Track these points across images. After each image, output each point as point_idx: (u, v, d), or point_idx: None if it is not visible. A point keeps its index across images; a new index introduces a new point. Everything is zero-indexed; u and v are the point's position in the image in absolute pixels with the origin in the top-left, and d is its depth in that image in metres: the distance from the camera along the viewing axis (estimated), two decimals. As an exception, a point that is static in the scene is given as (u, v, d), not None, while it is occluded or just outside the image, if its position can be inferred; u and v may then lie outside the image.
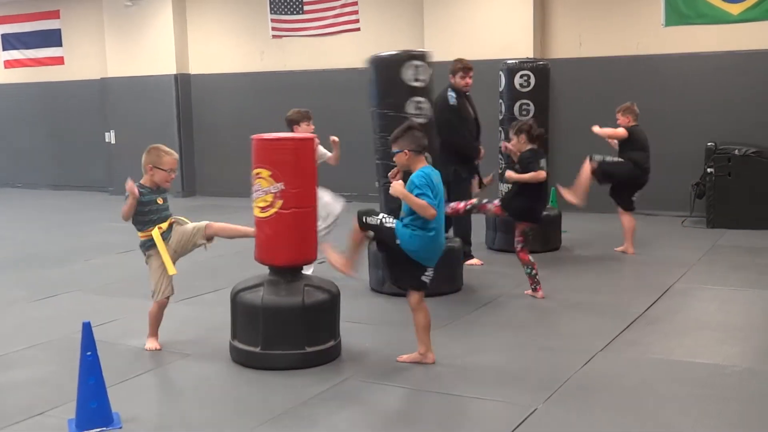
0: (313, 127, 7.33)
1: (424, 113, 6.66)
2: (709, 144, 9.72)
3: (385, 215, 4.97)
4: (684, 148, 10.14)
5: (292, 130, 7.20)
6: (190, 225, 5.49)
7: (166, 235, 5.37)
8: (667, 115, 10.29)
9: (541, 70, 8.60)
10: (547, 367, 4.99)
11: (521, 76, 8.48)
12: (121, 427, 4.20)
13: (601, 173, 8.08)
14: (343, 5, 12.45)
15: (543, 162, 6.53)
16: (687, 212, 9.97)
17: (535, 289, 6.65)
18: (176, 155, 5.49)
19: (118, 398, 4.42)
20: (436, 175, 4.87)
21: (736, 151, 9.53)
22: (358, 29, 12.37)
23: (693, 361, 5.08)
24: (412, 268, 4.93)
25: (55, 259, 8.87)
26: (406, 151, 4.89)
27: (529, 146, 6.58)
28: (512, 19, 11.09)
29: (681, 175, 10.03)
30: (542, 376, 4.83)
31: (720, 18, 10.23)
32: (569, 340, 5.54)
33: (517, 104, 8.48)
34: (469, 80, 7.66)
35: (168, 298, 5.45)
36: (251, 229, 5.29)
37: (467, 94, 7.74)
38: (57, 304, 6.93)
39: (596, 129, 8.24)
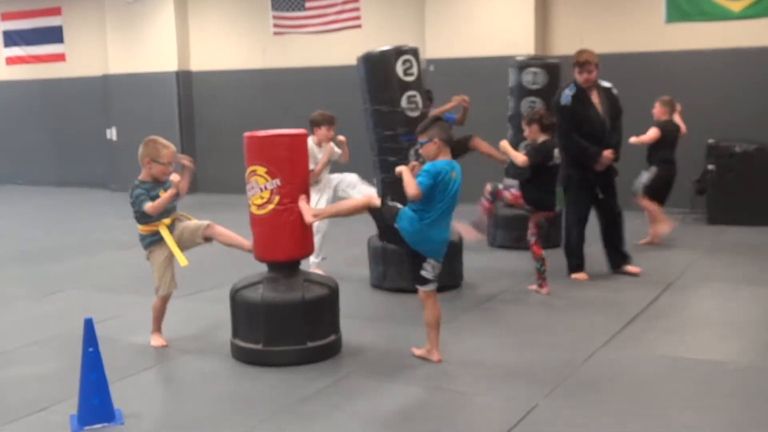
0: (332, 133, 7.38)
1: (417, 107, 6.69)
2: (710, 141, 9.71)
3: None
4: (685, 144, 10.10)
5: (312, 131, 7.24)
6: (193, 222, 5.51)
7: (170, 230, 5.40)
8: (668, 111, 10.31)
9: (552, 67, 8.51)
10: (548, 364, 5.00)
11: (530, 73, 8.38)
12: (122, 423, 4.22)
13: (651, 193, 8.21)
14: (345, 2, 12.45)
15: (556, 152, 6.49)
16: (688, 209, 9.97)
17: (540, 285, 6.65)
18: (174, 148, 5.52)
19: (120, 394, 4.45)
20: (450, 167, 4.89)
21: (737, 148, 9.52)
22: (360, 26, 12.36)
23: (694, 358, 5.09)
24: (413, 260, 5.02)
25: (57, 255, 8.89)
26: (436, 140, 4.90)
27: (542, 137, 6.49)
28: (513, 16, 11.07)
29: (682, 172, 10.03)
30: (543, 372, 4.84)
31: (721, 15, 10.22)
32: (570, 336, 5.55)
33: (525, 101, 8.39)
34: (588, 75, 6.86)
35: (171, 292, 5.48)
36: (248, 243, 5.33)
37: (610, 90, 7.05)
38: (59, 300, 6.95)
39: (632, 140, 8.31)
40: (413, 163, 5.15)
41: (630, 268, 7.14)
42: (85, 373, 4.14)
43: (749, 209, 9.36)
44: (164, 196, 5.27)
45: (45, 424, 4.30)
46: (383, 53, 6.76)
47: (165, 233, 5.35)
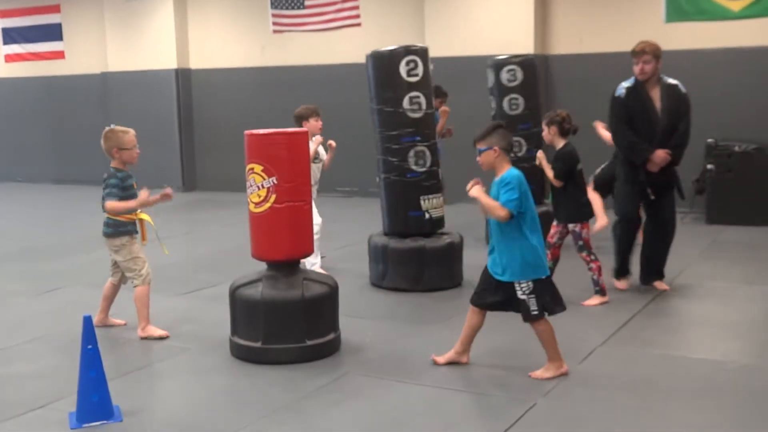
0: (321, 123, 7.37)
1: (420, 108, 6.68)
2: (709, 140, 9.72)
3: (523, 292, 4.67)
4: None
5: (301, 126, 7.21)
6: (139, 253, 5.67)
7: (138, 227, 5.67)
8: (667, 111, 10.33)
9: (529, 64, 8.57)
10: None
11: (508, 71, 8.48)
12: (121, 421, 4.22)
13: (600, 187, 8.14)
14: (345, 0, 12.45)
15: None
16: (687, 208, 9.97)
17: None
18: (133, 131, 5.70)
19: (118, 391, 4.44)
20: (524, 179, 4.65)
21: (737, 148, 9.54)
22: (359, 24, 12.36)
23: (692, 357, 5.09)
24: (550, 286, 4.73)
25: (56, 252, 8.88)
26: (495, 148, 4.62)
27: (561, 141, 6.27)
28: (513, 15, 11.08)
29: (681, 172, 10.04)
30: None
31: (721, 14, 10.23)
32: (569, 334, 5.54)
33: (506, 99, 8.49)
34: (643, 66, 6.28)
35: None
36: (141, 330, 5.60)
37: (675, 87, 6.41)
38: (58, 297, 6.95)
39: (599, 126, 8.22)
40: (474, 181, 4.75)
41: (660, 284, 6.61)
42: (84, 371, 4.14)
43: (748, 209, 9.37)
44: (128, 204, 5.49)
45: (44, 421, 4.29)
46: (387, 52, 6.76)
47: (150, 221, 5.60)
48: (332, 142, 7.37)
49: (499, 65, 8.55)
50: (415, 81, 6.69)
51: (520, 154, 8.44)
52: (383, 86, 6.77)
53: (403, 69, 6.65)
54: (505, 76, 8.49)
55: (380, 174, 6.98)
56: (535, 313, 4.67)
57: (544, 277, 4.68)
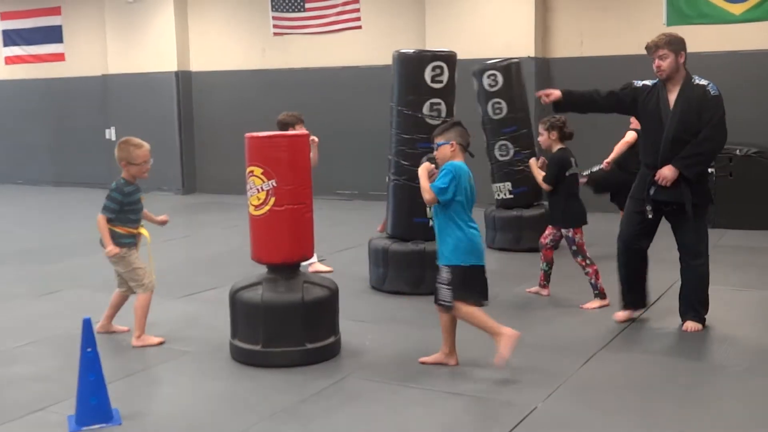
0: (305, 130, 7.31)
1: (439, 115, 6.60)
2: (710, 144, 9.71)
3: (442, 284, 4.84)
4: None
5: None
6: (138, 263, 5.60)
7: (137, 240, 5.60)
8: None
9: (507, 68, 8.54)
10: (547, 366, 4.99)
11: (489, 77, 8.49)
12: (120, 424, 4.21)
13: (594, 184, 8.14)
14: (345, 3, 12.45)
15: (573, 161, 6.38)
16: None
17: (543, 287, 6.64)
18: (147, 146, 5.57)
19: (117, 395, 4.44)
20: (465, 172, 4.81)
21: (738, 152, 9.54)
22: (360, 27, 12.36)
23: (692, 361, 5.09)
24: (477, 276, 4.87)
25: (55, 255, 8.87)
26: (453, 143, 4.84)
27: (559, 145, 6.37)
28: (513, 18, 11.09)
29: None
30: (541, 375, 4.83)
31: (722, 18, 10.24)
32: (569, 338, 5.54)
33: (490, 104, 8.51)
34: (659, 62, 5.41)
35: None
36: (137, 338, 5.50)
37: (702, 89, 5.44)
38: (58, 300, 6.93)
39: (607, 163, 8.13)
40: (430, 165, 4.95)
41: (688, 324, 5.70)
42: (84, 374, 4.13)
43: (749, 213, 9.37)
44: (105, 238, 5.51)
45: (42, 424, 4.28)
46: (414, 54, 6.70)
47: (148, 238, 5.52)
48: (315, 138, 7.27)
49: (480, 71, 8.58)
50: (438, 87, 6.59)
51: (507, 158, 8.48)
52: (406, 88, 6.68)
53: (428, 74, 6.55)
54: (486, 81, 8.51)
55: (390, 174, 6.91)
56: (444, 303, 4.82)
57: (468, 265, 4.79)
